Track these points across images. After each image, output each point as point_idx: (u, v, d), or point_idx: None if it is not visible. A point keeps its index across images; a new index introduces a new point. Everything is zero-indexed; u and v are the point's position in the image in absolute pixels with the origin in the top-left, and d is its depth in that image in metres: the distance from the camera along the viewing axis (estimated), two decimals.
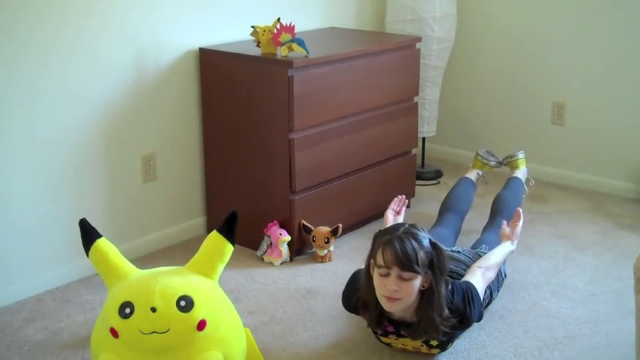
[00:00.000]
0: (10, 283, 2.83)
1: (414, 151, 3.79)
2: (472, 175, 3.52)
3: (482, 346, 2.53)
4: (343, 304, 2.51)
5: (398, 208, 2.97)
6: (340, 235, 3.28)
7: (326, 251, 3.18)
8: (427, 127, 4.18)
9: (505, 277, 2.85)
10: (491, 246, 2.88)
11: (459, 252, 2.75)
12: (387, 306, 2.25)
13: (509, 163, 3.58)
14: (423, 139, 4.29)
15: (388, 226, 2.49)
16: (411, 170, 3.77)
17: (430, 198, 3.91)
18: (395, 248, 2.19)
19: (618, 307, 2.79)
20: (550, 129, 4.14)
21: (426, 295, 2.26)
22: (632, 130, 3.87)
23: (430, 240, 2.27)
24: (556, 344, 2.55)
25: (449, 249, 2.78)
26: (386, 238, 2.23)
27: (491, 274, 2.60)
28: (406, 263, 2.18)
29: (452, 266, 2.66)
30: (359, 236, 3.45)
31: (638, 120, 3.84)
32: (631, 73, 3.81)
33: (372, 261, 2.29)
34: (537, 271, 3.07)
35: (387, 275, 2.21)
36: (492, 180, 3.68)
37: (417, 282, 2.22)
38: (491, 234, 3.01)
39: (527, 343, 2.56)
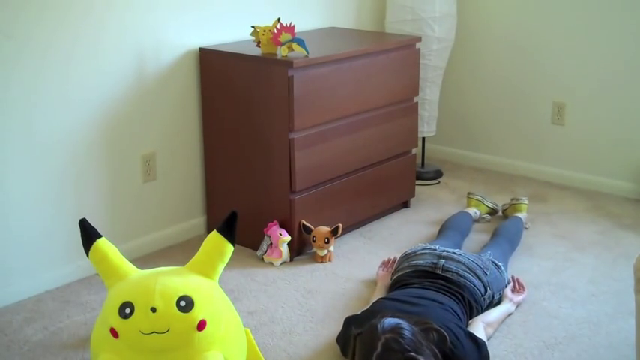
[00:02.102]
0: (10, 283, 2.83)
1: (414, 151, 3.79)
2: (470, 211, 3.52)
3: None
4: (340, 350, 2.47)
5: (385, 271, 2.95)
6: (340, 235, 3.28)
7: (326, 251, 3.18)
8: (427, 127, 4.18)
9: (508, 283, 2.84)
10: (494, 254, 2.87)
11: (460, 254, 2.75)
12: None
13: (512, 205, 3.53)
14: (423, 139, 4.29)
15: (365, 329, 2.18)
16: (411, 170, 3.77)
17: (430, 198, 3.91)
18: None
19: (618, 307, 2.79)
20: (550, 129, 4.14)
21: None
22: (632, 130, 3.87)
23: (405, 356, 2.03)
24: (556, 344, 2.55)
25: (450, 250, 2.78)
26: (363, 353, 2.09)
27: (491, 331, 2.58)
28: None
29: (452, 267, 2.66)
30: (359, 236, 3.45)
31: (638, 120, 3.84)
32: (631, 74, 3.81)
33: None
34: (537, 271, 3.07)
35: None
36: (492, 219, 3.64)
37: None
38: (493, 248, 2.99)
39: (527, 343, 2.56)
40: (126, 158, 3.14)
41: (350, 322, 2.44)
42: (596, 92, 3.94)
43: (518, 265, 3.10)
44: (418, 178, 4.00)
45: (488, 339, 2.52)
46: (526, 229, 3.43)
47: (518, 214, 3.47)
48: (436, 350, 2.12)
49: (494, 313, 2.65)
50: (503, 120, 4.31)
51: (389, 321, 2.12)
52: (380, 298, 2.60)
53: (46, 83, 2.81)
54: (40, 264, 2.91)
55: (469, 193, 3.62)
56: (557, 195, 3.97)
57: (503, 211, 3.59)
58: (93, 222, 2.18)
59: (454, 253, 2.75)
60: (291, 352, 2.51)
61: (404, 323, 2.11)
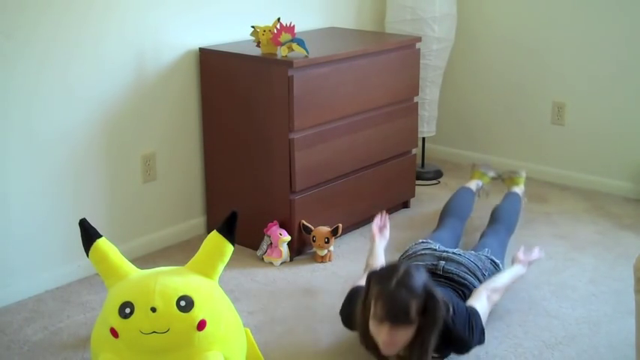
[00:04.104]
0: (10, 283, 2.83)
1: (414, 151, 3.79)
2: (471, 185, 3.51)
3: (483, 346, 2.52)
4: (342, 321, 2.50)
5: (382, 224, 2.94)
6: (340, 235, 3.28)
7: (326, 251, 3.18)
8: (427, 127, 4.18)
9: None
10: (493, 249, 2.88)
11: (460, 255, 2.74)
12: (381, 346, 2.22)
13: (510, 178, 3.55)
14: (423, 139, 4.29)
15: (383, 267, 2.37)
16: (411, 170, 3.77)
17: (430, 198, 3.91)
18: (388, 304, 2.15)
19: (618, 307, 2.79)
20: (550, 129, 4.14)
21: (417, 340, 2.20)
22: (632, 130, 3.87)
23: (426, 286, 2.20)
24: (556, 344, 2.55)
25: (450, 250, 2.78)
26: (378, 290, 2.19)
27: (497, 297, 2.58)
28: (397, 320, 2.14)
29: (452, 268, 2.66)
30: (359, 236, 3.45)
31: (638, 120, 3.84)
32: (631, 73, 3.81)
33: (367, 301, 2.25)
34: (537, 271, 3.07)
35: (380, 324, 2.17)
36: (493, 192, 3.64)
37: (410, 331, 2.18)
38: (490, 238, 3.00)
39: (527, 343, 2.56)
40: (126, 158, 3.14)
41: (355, 290, 2.46)
42: (596, 92, 3.95)
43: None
44: (418, 178, 4.01)
45: (494, 305, 2.56)
46: (524, 199, 3.45)
47: (515, 189, 3.48)
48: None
49: (501, 279, 2.64)
50: (503, 120, 4.31)
51: (409, 263, 2.29)
52: None
53: (46, 83, 2.81)
54: (40, 264, 2.91)
55: (474, 165, 3.60)
56: (557, 195, 3.97)
57: (503, 180, 3.59)
58: (93, 222, 2.18)
59: (454, 253, 2.75)
60: (291, 352, 2.51)
61: (422, 268, 2.31)
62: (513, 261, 2.78)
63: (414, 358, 2.22)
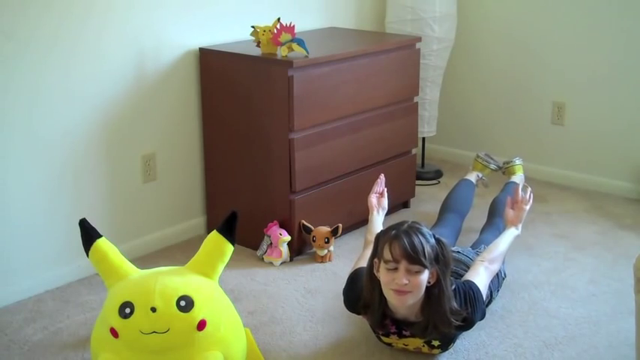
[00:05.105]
0: (10, 283, 2.83)
1: (414, 151, 3.79)
2: (472, 176, 3.52)
3: (483, 346, 2.53)
4: (345, 304, 2.50)
5: (381, 189, 2.93)
6: (340, 235, 3.28)
7: (326, 251, 3.18)
8: (427, 127, 4.18)
9: (505, 276, 2.85)
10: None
11: (458, 252, 2.75)
12: (396, 300, 2.24)
13: (507, 168, 3.57)
14: (423, 139, 4.29)
15: (386, 225, 2.46)
16: (411, 170, 3.77)
17: (430, 198, 3.91)
18: (403, 242, 2.20)
19: (618, 307, 2.79)
20: (550, 129, 4.14)
21: (434, 291, 2.26)
22: (632, 130, 3.87)
23: (434, 235, 2.29)
24: (556, 344, 2.55)
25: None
26: (392, 234, 2.25)
27: (496, 266, 2.60)
28: (414, 256, 2.19)
29: (452, 266, 2.66)
30: (359, 236, 3.45)
31: (638, 120, 3.84)
32: (631, 73, 3.81)
33: (375, 260, 2.29)
34: (537, 271, 3.07)
35: (395, 270, 2.21)
36: (492, 183, 3.67)
37: (425, 276, 2.22)
38: (489, 234, 3.01)
39: (527, 343, 2.56)
40: (126, 158, 3.14)
41: (356, 273, 2.48)
42: (596, 92, 3.95)
43: (518, 265, 3.10)
44: (418, 178, 4.01)
45: (495, 274, 2.60)
46: (526, 186, 3.46)
47: (514, 178, 3.49)
48: None
49: (497, 247, 2.66)
50: (503, 120, 4.31)
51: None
52: None
53: (47, 83, 2.81)
54: (40, 264, 2.91)
55: (477, 156, 3.60)
56: (557, 195, 3.97)
57: (503, 172, 3.60)
58: (93, 222, 2.18)
59: (453, 252, 2.75)
60: (291, 352, 2.51)
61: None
62: (505, 221, 2.79)
63: (438, 306, 2.26)
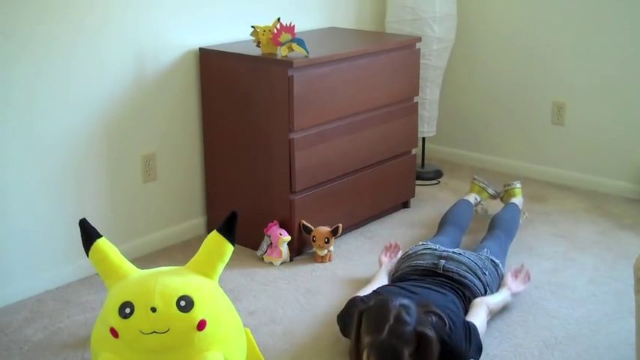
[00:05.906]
0: (10, 283, 2.83)
1: (414, 151, 3.79)
2: (470, 198, 3.51)
3: (483, 346, 2.52)
4: (341, 332, 2.51)
5: (392, 255, 2.97)
6: (340, 235, 3.28)
7: (326, 251, 3.18)
8: (427, 127, 4.18)
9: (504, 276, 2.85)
10: (492, 250, 2.88)
11: (460, 254, 2.75)
12: None
13: (507, 191, 3.55)
14: (423, 139, 4.29)
15: (372, 305, 2.22)
16: (411, 170, 3.77)
17: (430, 198, 3.91)
18: (379, 356, 2.09)
19: (618, 307, 2.79)
20: (550, 129, 4.14)
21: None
22: (632, 130, 3.87)
23: (417, 328, 2.12)
24: (556, 344, 2.55)
25: (450, 250, 2.79)
26: (369, 341, 2.11)
27: (489, 317, 2.59)
28: None
29: (453, 267, 2.66)
30: (359, 236, 3.45)
31: (638, 120, 3.84)
32: (631, 74, 3.81)
33: (358, 344, 2.18)
34: (537, 271, 3.07)
35: None
36: (490, 207, 3.63)
37: None
38: (490, 242, 3.00)
39: (527, 343, 2.56)
40: (126, 158, 3.14)
41: (354, 302, 2.46)
42: (596, 92, 3.95)
43: (518, 265, 3.09)
44: (418, 178, 4.01)
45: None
46: (525, 217, 3.45)
47: (514, 200, 3.48)
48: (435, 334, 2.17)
49: (495, 299, 2.66)
50: (503, 120, 4.31)
51: (399, 299, 2.19)
52: (384, 285, 2.65)
53: (47, 83, 2.81)
54: (40, 264, 2.91)
55: (474, 178, 3.61)
56: (557, 195, 3.97)
57: (500, 198, 3.59)
58: (93, 222, 2.18)
59: (454, 252, 2.75)
60: (291, 352, 2.51)
61: (411, 303, 2.19)
62: (502, 285, 2.77)
63: None
